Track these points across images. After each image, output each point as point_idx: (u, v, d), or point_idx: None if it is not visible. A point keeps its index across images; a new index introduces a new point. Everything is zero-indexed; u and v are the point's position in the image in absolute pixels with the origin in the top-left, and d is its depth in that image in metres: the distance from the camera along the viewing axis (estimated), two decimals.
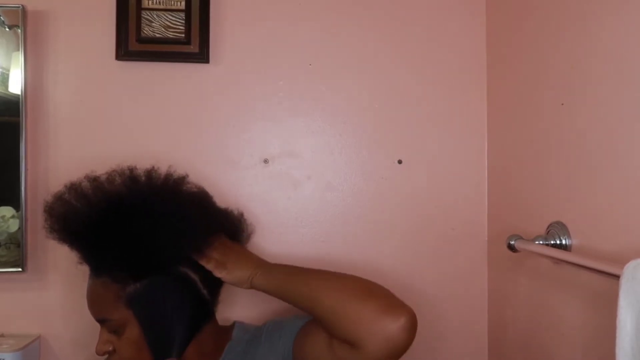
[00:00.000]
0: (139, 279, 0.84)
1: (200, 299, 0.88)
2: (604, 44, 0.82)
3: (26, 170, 1.12)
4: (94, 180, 0.89)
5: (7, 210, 1.11)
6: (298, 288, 0.84)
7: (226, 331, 0.97)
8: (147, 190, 0.90)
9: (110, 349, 0.86)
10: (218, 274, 0.86)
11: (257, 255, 0.96)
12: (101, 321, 0.87)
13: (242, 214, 1.05)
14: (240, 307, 1.18)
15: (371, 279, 1.21)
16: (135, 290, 0.83)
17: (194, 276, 0.87)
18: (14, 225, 1.11)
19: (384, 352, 0.77)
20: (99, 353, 0.87)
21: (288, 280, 0.86)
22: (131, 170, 0.91)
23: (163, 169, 0.95)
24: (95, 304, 0.87)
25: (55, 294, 1.15)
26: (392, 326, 0.76)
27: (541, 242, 0.93)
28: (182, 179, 0.96)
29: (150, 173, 0.93)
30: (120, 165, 0.92)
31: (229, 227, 0.98)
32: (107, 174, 0.90)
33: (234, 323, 1.00)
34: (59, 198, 0.88)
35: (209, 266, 0.86)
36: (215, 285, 0.92)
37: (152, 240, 0.82)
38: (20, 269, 1.11)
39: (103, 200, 0.87)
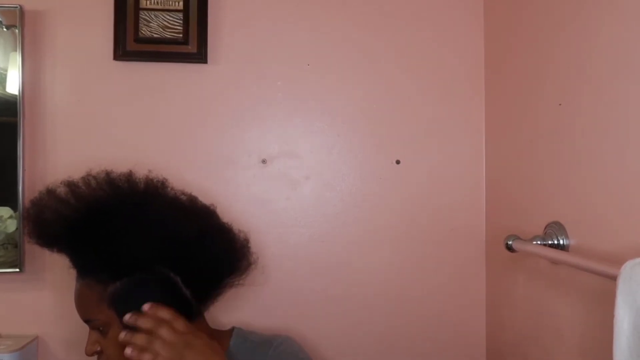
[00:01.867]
0: (118, 279, 0.83)
1: (182, 299, 0.84)
2: (601, 45, 0.82)
3: (24, 170, 1.12)
4: (70, 185, 0.89)
5: (5, 211, 1.11)
6: None
7: (222, 336, 0.94)
8: (125, 193, 0.90)
9: (98, 349, 0.86)
10: None
11: (222, 355, 0.79)
12: (87, 322, 0.88)
13: (247, 240, 0.95)
14: (239, 311, 1.18)
15: (369, 279, 1.22)
16: (115, 289, 0.82)
17: (174, 276, 0.85)
18: (11, 226, 1.11)
19: None
20: (87, 353, 0.88)
21: None
22: (108, 173, 0.91)
23: (142, 174, 0.94)
24: (81, 305, 0.88)
25: (53, 294, 1.15)
26: None
27: (539, 242, 0.93)
28: (162, 184, 0.94)
29: (128, 177, 0.92)
30: (94, 170, 0.92)
31: (224, 247, 0.91)
32: (82, 178, 0.90)
33: (233, 329, 0.97)
34: (36, 203, 0.88)
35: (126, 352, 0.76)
36: (200, 286, 0.88)
37: (123, 241, 0.82)
38: (18, 270, 1.10)
39: (80, 203, 0.87)
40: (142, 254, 0.83)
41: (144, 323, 0.77)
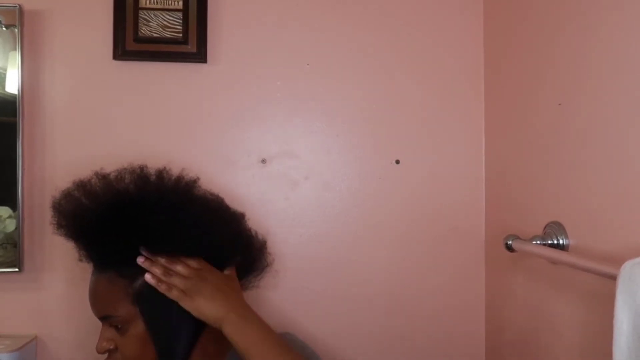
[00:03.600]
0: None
1: None
2: (601, 44, 0.82)
3: (23, 170, 1.12)
4: (102, 177, 0.88)
5: (4, 211, 1.11)
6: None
7: None
8: (157, 189, 0.89)
9: (112, 347, 0.84)
10: (183, 304, 0.79)
11: (238, 291, 0.85)
12: (104, 318, 0.84)
13: (265, 242, 0.98)
14: None
15: (368, 279, 1.22)
16: (142, 285, 0.81)
17: None
18: (10, 226, 1.11)
19: None
20: (99, 351, 0.85)
21: (258, 347, 0.78)
22: (142, 169, 0.90)
23: (175, 171, 0.93)
24: (99, 299, 0.84)
25: (52, 294, 1.15)
26: None
27: (538, 242, 0.93)
28: (194, 182, 0.94)
29: (161, 173, 0.91)
30: (131, 164, 0.90)
31: (244, 249, 0.93)
32: (116, 171, 0.89)
33: None
34: (67, 195, 0.87)
35: (171, 295, 0.79)
36: None
37: (158, 236, 0.82)
38: (17, 269, 1.10)
39: (112, 197, 0.85)
40: (175, 252, 0.82)
41: (159, 262, 0.81)
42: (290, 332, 0.96)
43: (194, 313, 0.79)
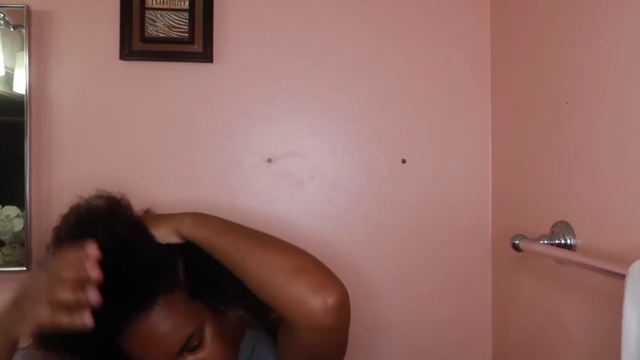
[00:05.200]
0: (177, 276, 0.80)
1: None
2: (608, 43, 0.81)
3: (31, 169, 1.12)
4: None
5: (12, 210, 1.12)
6: (228, 250, 0.75)
7: (241, 324, 0.91)
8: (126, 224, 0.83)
9: None
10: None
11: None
12: (185, 345, 0.75)
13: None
14: None
15: (374, 279, 1.22)
16: (185, 276, 0.78)
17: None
18: (18, 225, 1.12)
19: (315, 334, 0.72)
20: None
21: (219, 235, 0.76)
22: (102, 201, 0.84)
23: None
24: (174, 330, 0.75)
25: None
26: (319, 307, 0.70)
27: (546, 241, 0.93)
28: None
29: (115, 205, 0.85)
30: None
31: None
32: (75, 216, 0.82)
33: (251, 319, 0.94)
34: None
35: None
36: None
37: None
38: (24, 268, 1.11)
39: (108, 240, 0.77)
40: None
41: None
42: None
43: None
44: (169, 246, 0.81)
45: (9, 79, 1.13)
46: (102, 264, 0.69)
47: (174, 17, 1.16)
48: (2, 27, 1.12)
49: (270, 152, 1.21)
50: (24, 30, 1.12)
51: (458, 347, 1.24)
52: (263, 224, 1.20)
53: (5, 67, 1.13)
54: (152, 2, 1.15)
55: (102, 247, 0.70)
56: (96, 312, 0.68)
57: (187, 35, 1.16)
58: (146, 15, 1.15)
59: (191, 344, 0.76)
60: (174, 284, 0.78)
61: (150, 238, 0.80)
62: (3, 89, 1.13)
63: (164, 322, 0.75)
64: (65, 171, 1.15)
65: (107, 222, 0.79)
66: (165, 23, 1.16)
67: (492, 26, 1.24)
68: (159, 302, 0.75)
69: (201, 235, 0.76)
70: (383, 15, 1.23)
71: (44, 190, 1.15)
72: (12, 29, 1.12)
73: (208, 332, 0.78)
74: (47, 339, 0.75)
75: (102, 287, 0.69)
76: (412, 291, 1.23)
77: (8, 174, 1.13)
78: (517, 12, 1.12)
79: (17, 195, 1.11)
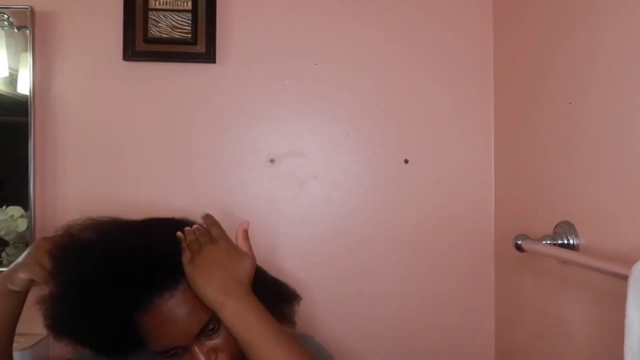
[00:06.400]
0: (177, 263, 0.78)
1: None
2: (611, 43, 0.81)
3: (34, 170, 1.13)
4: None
5: (16, 210, 1.12)
6: (254, 351, 0.72)
7: None
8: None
9: (214, 358, 0.76)
10: (185, 267, 0.75)
11: (245, 272, 0.77)
12: (203, 328, 0.76)
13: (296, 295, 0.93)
14: None
15: (377, 279, 1.22)
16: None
17: None
18: (22, 225, 1.12)
19: None
20: None
21: (261, 339, 0.72)
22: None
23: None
24: (193, 312, 0.75)
25: None
26: None
27: (548, 242, 0.93)
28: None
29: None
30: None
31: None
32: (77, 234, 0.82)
33: None
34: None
35: (184, 254, 0.76)
36: None
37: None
38: None
39: (134, 225, 0.82)
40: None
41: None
42: (307, 334, 0.95)
43: (192, 286, 0.74)
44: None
45: (13, 79, 1.13)
46: (131, 244, 0.75)
47: (177, 17, 1.16)
48: (6, 28, 1.12)
49: (273, 153, 1.21)
50: (27, 31, 1.12)
51: (461, 347, 1.24)
52: (265, 224, 1.20)
53: (9, 68, 1.13)
54: (155, 3, 1.16)
55: (129, 230, 0.78)
56: (123, 287, 0.72)
57: (189, 36, 1.16)
58: (149, 16, 1.16)
59: (208, 328, 0.76)
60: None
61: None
62: (7, 90, 1.14)
63: (186, 302, 0.75)
64: (69, 171, 1.16)
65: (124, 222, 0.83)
66: (168, 24, 1.16)
67: (495, 27, 1.24)
68: (183, 282, 0.75)
69: (238, 328, 0.72)
70: (385, 15, 1.23)
71: (48, 190, 1.15)
72: (16, 30, 1.13)
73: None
74: (66, 323, 0.78)
75: (131, 264, 0.73)
76: (414, 291, 1.23)
77: (12, 174, 1.14)
78: (520, 14, 1.12)
79: (21, 196, 1.11)
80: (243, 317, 0.72)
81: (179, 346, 0.76)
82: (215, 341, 0.77)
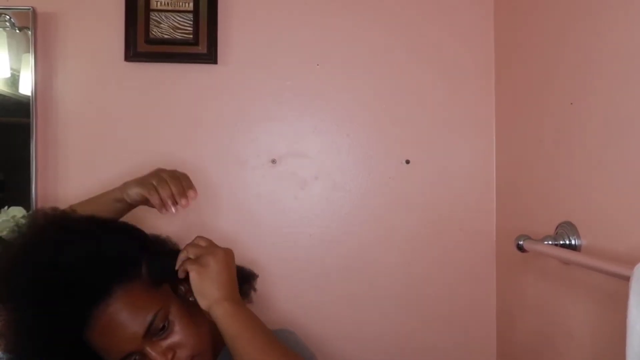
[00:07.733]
0: (139, 264, 0.81)
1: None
2: (613, 43, 0.81)
3: (36, 170, 1.13)
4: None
5: (18, 211, 1.12)
6: (245, 350, 0.75)
7: None
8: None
9: (171, 356, 0.77)
10: (190, 269, 0.78)
11: (234, 275, 0.82)
12: (148, 329, 0.76)
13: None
14: None
15: (378, 279, 1.22)
16: (155, 264, 0.81)
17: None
18: None
19: None
20: None
21: (248, 334, 0.76)
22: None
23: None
24: (137, 313, 0.76)
25: None
26: None
27: (550, 242, 0.93)
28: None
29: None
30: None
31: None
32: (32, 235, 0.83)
33: None
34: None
35: (187, 263, 0.80)
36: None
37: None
38: None
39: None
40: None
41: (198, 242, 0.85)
42: (290, 330, 0.95)
43: (195, 287, 0.78)
44: (129, 236, 0.85)
45: (14, 80, 1.14)
46: (54, 265, 0.75)
47: (179, 18, 1.16)
48: (7, 28, 1.13)
49: (275, 153, 1.21)
50: (29, 32, 1.12)
51: (463, 347, 1.24)
52: (267, 224, 1.21)
53: (11, 69, 1.13)
54: (157, 4, 1.16)
55: (52, 248, 0.77)
56: (58, 311, 0.74)
57: (191, 36, 1.16)
58: (151, 16, 1.16)
59: (155, 327, 0.77)
60: (133, 272, 0.80)
61: (108, 231, 0.83)
62: (9, 91, 1.14)
63: (123, 309, 0.76)
64: (70, 172, 1.16)
65: (59, 222, 0.84)
66: (170, 24, 1.16)
67: (496, 27, 1.24)
68: (116, 289, 0.76)
69: (229, 324, 0.76)
70: (386, 17, 1.23)
71: (49, 191, 1.15)
72: (17, 31, 1.13)
73: (175, 316, 0.79)
74: (20, 347, 0.78)
75: (58, 285, 0.74)
76: (416, 291, 1.23)
77: (14, 175, 1.14)
78: (522, 14, 1.12)
79: (22, 196, 1.12)
80: (235, 313, 0.77)
81: (132, 352, 0.77)
82: (171, 339, 0.78)
